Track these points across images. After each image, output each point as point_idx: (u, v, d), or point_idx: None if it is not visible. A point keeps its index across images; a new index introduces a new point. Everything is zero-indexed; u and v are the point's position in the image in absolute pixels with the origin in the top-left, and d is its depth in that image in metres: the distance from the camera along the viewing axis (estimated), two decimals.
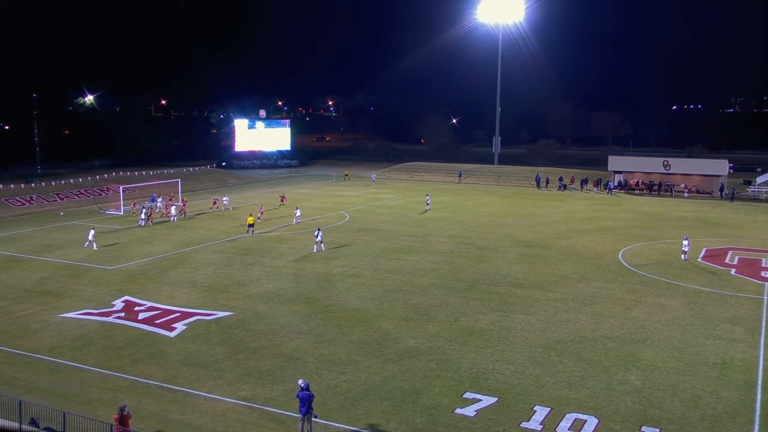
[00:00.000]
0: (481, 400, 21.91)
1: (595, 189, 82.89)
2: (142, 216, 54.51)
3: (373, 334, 28.20)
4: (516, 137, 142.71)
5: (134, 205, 61.21)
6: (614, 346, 26.79)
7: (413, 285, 36.03)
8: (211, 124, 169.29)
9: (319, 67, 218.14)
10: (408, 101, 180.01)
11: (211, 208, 63.87)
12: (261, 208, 60.25)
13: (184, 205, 61.21)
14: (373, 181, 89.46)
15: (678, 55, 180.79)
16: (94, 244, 45.04)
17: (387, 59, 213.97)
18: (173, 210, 57.75)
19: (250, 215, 52.78)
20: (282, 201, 66.01)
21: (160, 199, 64.14)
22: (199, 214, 60.99)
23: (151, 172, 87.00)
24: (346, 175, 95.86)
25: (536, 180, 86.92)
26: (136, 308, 31.65)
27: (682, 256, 42.40)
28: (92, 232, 45.91)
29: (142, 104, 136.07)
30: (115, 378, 23.62)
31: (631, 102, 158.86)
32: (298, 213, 56.18)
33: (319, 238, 44.56)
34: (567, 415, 20.90)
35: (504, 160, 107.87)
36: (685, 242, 42.95)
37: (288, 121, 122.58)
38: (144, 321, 29.78)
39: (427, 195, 67.42)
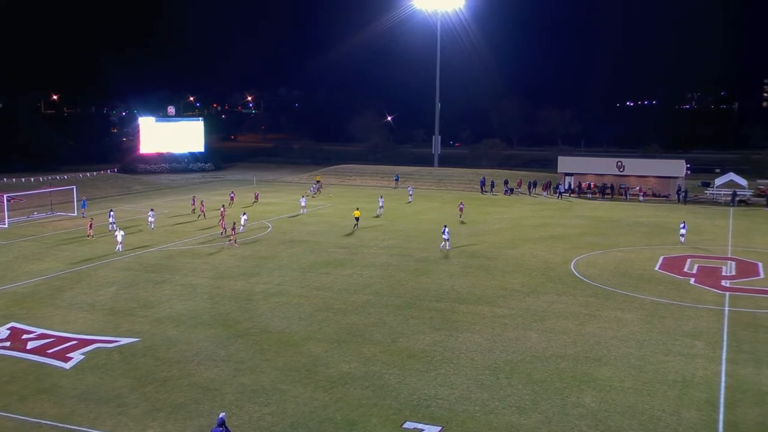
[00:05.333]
0: (423, 430, 21.99)
1: (544, 193, 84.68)
2: (111, 220, 55.83)
3: (300, 359, 27.99)
4: (458, 136, 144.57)
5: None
6: (567, 366, 27.33)
7: (345, 302, 35.98)
8: (111, 122, 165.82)
9: (237, 58, 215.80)
10: (337, 97, 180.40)
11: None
12: (202, 206, 63.74)
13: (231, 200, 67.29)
14: (411, 195, 79.67)
15: (630, 47, 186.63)
16: (120, 246, 47.81)
17: (313, 50, 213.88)
18: (243, 219, 56.11)
19: (357, 209, 59.36)
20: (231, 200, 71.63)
21: (151, 213, 57.91)
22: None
23: (41, 178, 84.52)
24: (318, 181, 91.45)
25: (480, 183, 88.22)
26: (24, 336, 30.59)
27: (681, 239, 51.97)
28: (121, 233, 48.61)
29: (29, 100, 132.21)
30: None
31: (582, 98, 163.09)
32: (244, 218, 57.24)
33: (446, 235, 48.50)
34: None
35: (445, 161, 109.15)
36: (682, 228, 52.52)
37: (201, 118, 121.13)
38: (34, 351, 28.79)
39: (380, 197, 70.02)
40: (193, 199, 67.42)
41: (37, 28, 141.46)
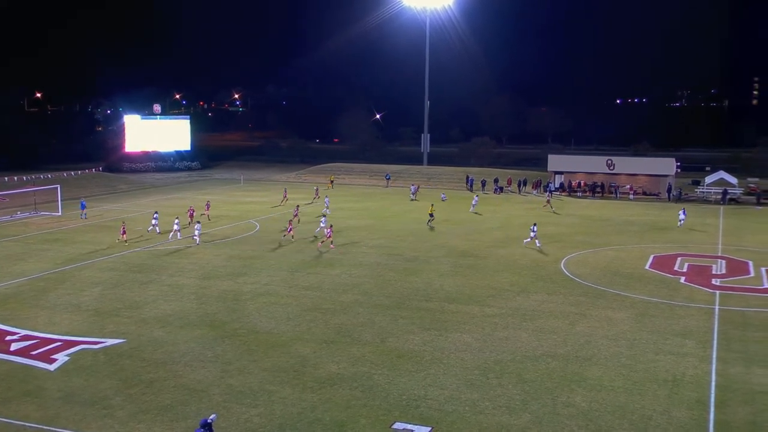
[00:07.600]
0: (412, 430, 22.02)
1: (534, 191, 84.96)
2: (154, 222, 54.53)
3: (288, 359, 27.99)
4: (447, 135, 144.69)
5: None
6: (558, 365, 27.44)
7: (334, 302, 35.99)
8: (96, 120, 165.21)
9: (224, 55, 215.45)
10: (325, 94, 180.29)
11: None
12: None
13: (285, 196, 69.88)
14: (444, 200, 76.30)
15: (620, 45, 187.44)
16: (179, 234, 51.18)
17: (301, 47, 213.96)
18: (323, 221, 54.38)
19: (432, 205, 61.96)
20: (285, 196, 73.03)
21: (176, 222, 53.96)
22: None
23: (24, 177, 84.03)
24: (332, 181, 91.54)
25: (468, 182, 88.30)
26: (8, 338, 30.42)
27: (679, 223, 58.01)
28: (177, 221, 51.50)
29: (11, 97, 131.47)
30: None
31: (572, 95, 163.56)
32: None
33: (534, 232, 50.47)
34: None
35: (434, 160, 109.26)
36: (681, 214, 58.67)
37: (188, 116, 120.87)
38: (17, 352, 28.65)
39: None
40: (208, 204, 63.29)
41: (22, 24, 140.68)
